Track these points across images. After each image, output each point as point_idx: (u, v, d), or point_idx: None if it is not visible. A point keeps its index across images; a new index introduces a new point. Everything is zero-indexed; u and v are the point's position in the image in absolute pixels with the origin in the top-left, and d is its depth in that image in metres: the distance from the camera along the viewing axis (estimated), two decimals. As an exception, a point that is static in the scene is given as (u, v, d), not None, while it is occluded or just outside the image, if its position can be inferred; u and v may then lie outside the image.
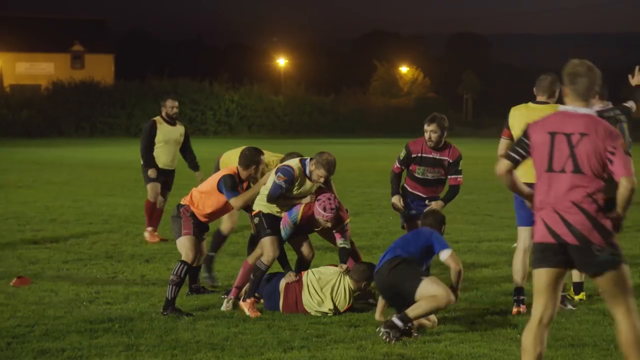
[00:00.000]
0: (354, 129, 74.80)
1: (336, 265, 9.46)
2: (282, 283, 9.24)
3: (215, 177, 9.45)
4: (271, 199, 9.19)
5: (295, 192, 9.29)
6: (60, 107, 66.45)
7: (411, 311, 8.12)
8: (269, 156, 10.06)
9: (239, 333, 8.27)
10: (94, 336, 8.09)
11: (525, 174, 9.29)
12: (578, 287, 9.81)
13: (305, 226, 9.55)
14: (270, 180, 9.24)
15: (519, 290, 9.20)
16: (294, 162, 9.25)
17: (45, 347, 7.70)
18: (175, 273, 9.10)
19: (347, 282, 9.16)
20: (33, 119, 64.87)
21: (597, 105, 9.69)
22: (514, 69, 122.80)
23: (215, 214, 9.52)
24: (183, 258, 9.24)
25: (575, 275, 9.70)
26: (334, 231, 9.47)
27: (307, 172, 9.20)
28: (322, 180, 9.23)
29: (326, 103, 77.66)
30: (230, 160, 10.45)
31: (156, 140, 14.04)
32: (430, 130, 9.98)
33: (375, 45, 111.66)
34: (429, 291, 8.21)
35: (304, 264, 9.71)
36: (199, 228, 9.52)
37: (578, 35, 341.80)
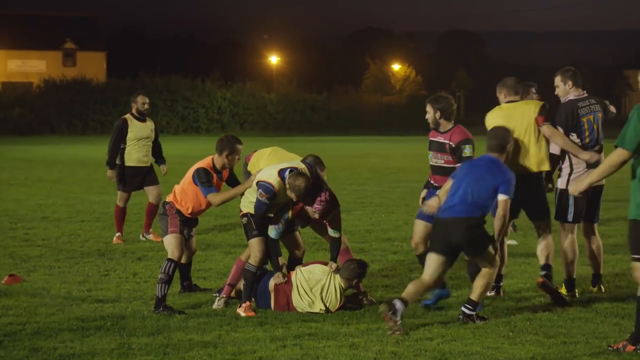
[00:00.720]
0: (347, 126, 74.72)
1: (326, 264, 9.34)
2: (272, 283, 9.19)
3: (190, 171, 9.37)
4: (257, 214, 9.06)
5: (280, 201, 9.14)
6: (52, 105, 66.29)
7: (475, 295, 8.59)
8: (287, 156, 9.80)
9: (231, 331, 8.26)
10: (86, 334, 8.07)
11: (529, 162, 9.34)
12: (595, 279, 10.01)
13: (299, 221, 9.50)
14: (255, 185, 9.09)
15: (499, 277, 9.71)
16: (273, 177, 8.97)
17: (37, 345, 7.69)
18: (163, 271, 9.09)
19: (338, 281, 9.10)
20: (25, 116, 64.69)
21: (572, 94, 9.70)
22: (507, 66, 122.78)
23: (198, 209, 9.44)
24: (169, 256, 9.22)
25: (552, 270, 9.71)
26: (324, 221, 9.34)
27: (287, 183, 8.97)
28: (294, 199, 9.06)
29: (318, 101, 77.60)
30: (258, 160, 9.90)
31: (128, 138, 13.87)
32: (426, 112, 9.53)
33: (368, 43, 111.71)
34: (484, 261, 8.59)
35: (295, 262, 9.67)
36: (186, 224, 9.50)
37: (572, 33, 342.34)
